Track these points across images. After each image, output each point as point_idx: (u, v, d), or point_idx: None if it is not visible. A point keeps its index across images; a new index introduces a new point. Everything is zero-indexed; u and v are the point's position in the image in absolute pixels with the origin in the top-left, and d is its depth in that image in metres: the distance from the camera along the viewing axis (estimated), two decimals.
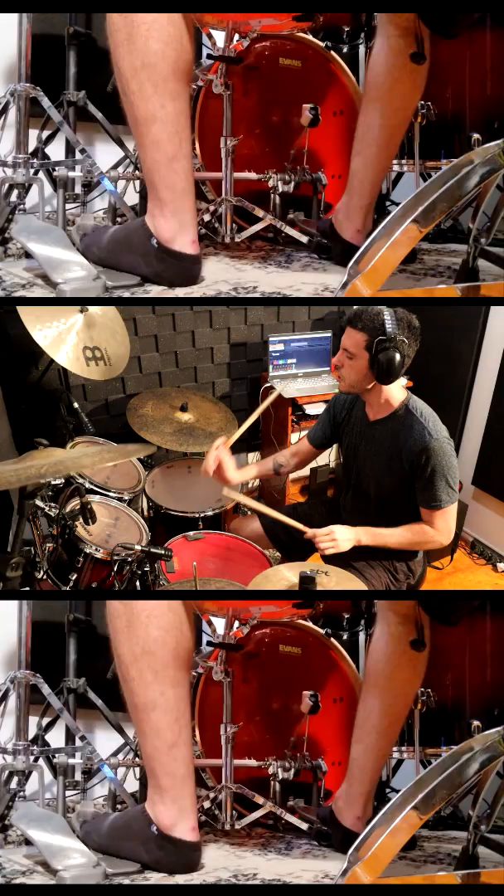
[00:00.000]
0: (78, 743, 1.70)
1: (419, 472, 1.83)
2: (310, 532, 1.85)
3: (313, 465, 3.52)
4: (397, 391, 1.89)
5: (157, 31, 1.40)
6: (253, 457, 3.59)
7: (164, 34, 1.41)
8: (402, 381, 3.19)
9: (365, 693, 1.62)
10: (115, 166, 1.73)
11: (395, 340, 1.75)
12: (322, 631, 1.68)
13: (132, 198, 1.68)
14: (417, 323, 1.81)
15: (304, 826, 1.62)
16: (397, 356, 1.76)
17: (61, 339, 2.16)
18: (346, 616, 1.68)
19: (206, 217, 1.69)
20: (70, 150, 1.72)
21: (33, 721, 1.70)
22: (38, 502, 1.84)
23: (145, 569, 1.87)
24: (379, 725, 1.60)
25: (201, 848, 1.51)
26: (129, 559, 1.88)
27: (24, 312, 2.07)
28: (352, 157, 1.65)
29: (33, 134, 1.70)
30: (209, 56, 1.67)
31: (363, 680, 1.63)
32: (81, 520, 1.88)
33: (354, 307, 1.82)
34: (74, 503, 1.90)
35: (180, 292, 1.58)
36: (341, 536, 1.80)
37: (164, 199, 1.53)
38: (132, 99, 1.45)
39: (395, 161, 1.69)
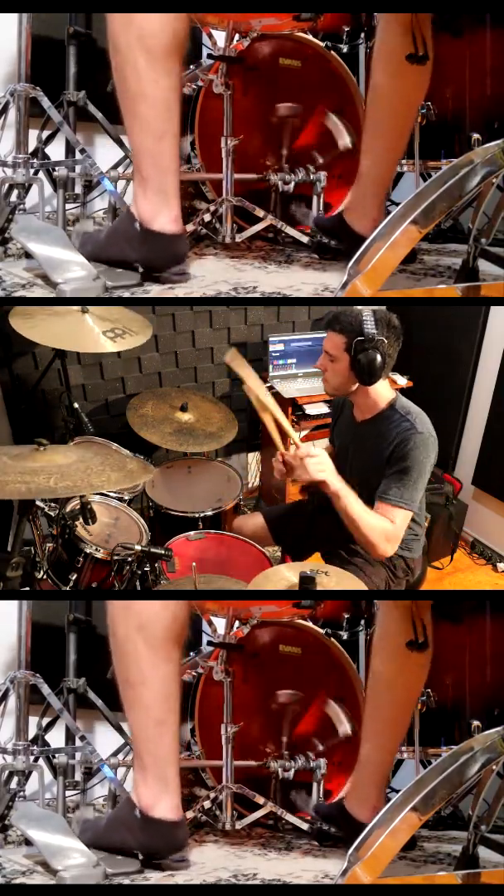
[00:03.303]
0: (78, 743, 1.70)
1: (394, 462, 1.79)
2: (299, 450, 1.74)
3: None
4: (384, 391, 1.89)
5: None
6: (253, 457, 3.59)
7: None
8: (402, 381, 3.20)
9: (371, 690, 1.62)
10: (115, 166, 1.73)
11: (374, 341, 1.75)
12: (322, 631, 1.68)
13: (132, 198, 1.68)
14: (398, 322, 1.81)
15: (305, 826, 1.62)
16: (378, 357, 1.76)
17: (79, 335, 2.15)
18: (346, 616, 1.69)
19: (207, 217, 1.69)
20: (70, 150, 1.72)
21: (33, 721, 1.70)
22: (39, 502, 1.84)
23: (145, 569, 1.88)
24: (388, 722, 1.61)
25: (185, 826, 1.52)
26: (129, 559, 1.88)
27: (27, 332, 2.07)
28: (361, 157, 1.65)
29: (33, 134, 1.69)
30: (210, 56, 1.67)
31: (369, 677, 1.63)
32: (81, 520, 1.88)
33: (334, 309, 1.82)
34: (74, 503, 1.91)
35: (180, 292, 1.58)
36: (326, 471, 1.71)
37: (148, 177, 1.53)
38: (125, 74, 1.45)
39: (396, 165, 1.69)
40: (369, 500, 1.97)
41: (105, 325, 2.20)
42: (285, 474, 1.86)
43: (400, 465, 1.79)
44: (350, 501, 1.76)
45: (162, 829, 1.48)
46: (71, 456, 1.64)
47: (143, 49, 1.42)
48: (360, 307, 1.79)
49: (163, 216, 1.54)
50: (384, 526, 1.79)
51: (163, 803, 1.48)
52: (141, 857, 1.47)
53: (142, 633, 1.47)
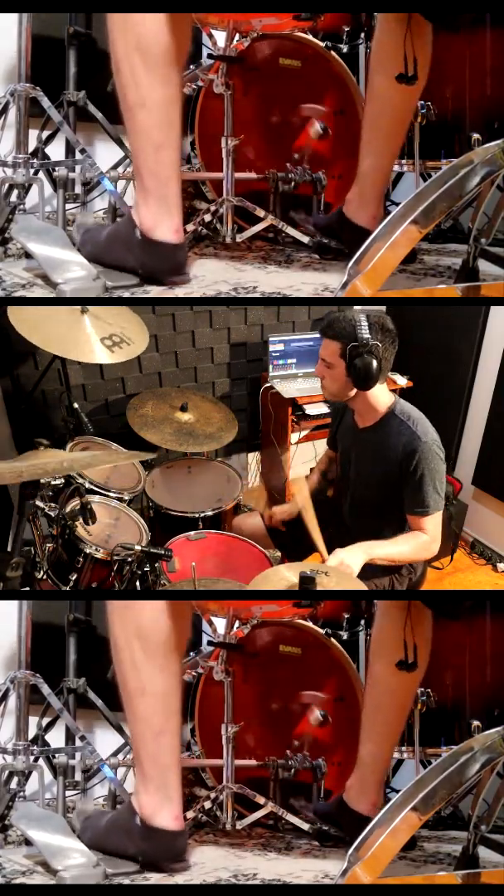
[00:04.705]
0: (78, 743, 1.70)
1: (408, 477, 1.82)
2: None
3: (312, 465, 3.53)
4: (383, 396, 1.89)
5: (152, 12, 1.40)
6: (253, 457, 3.59)
7: (159, 16, 1.40)
8: (402, 381, 3.20)
9: (369, 690, 1.62)
10: (115, 166, 1.73)
11: (368, 346, 1.75)
12: (322, 631, 1.68)
13: (132, 198, 1.68)
14: (391, 325, 1.81)
15: (305, 826, 1.62)
16: (373, 362, 1.76)
17: (77, 340, 2.15)
18: (346, 616, 1.69)
19: (207, 217, 1.69)
20: (70, 150, 1.72)
21: (33, 721, 1.70)
22: (38, 502, 1.84)
23: (145, 569, 1.88)
24: (387, 720, 1.62)
25: (186, 836, 1.51)
26: (129, 559, 1.88)
27: (25, 331, 2.06)
28: (361, 155, 1.66)
29: (33, 134, 1.69)
30: (210, 56, 1.67)
31: (367, 678, 1.64)
32: (81, 520, 1.88)
33: (328, 315, 1.82)
34: (74, 503, 1.90)
35: (180, 292, 1.58)
36: (350, 561, 1.73)
37: (148, 187, 1.53)
38: (123, 82, 1.45)
39: (395, 161, 1.69)
40: (372, 504, 1.97)
41: (104, 329, 2.19)
42: None
43: (414, 478, 1.81)
44: (383, 553, 1.81)
45: (162, 838, 1.47)
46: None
47: (140, 56, 1.42)
48: (353, 312, 1.79)
49: (164, 226, 1.54)
50: (418, 541, 1.85)
51: (164, 812, 1.48)
52: (140, 863, 1.47)
53: (140, 639, 1.46)
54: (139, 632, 1.46)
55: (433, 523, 1.85)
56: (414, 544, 1.84)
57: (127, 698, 1.50)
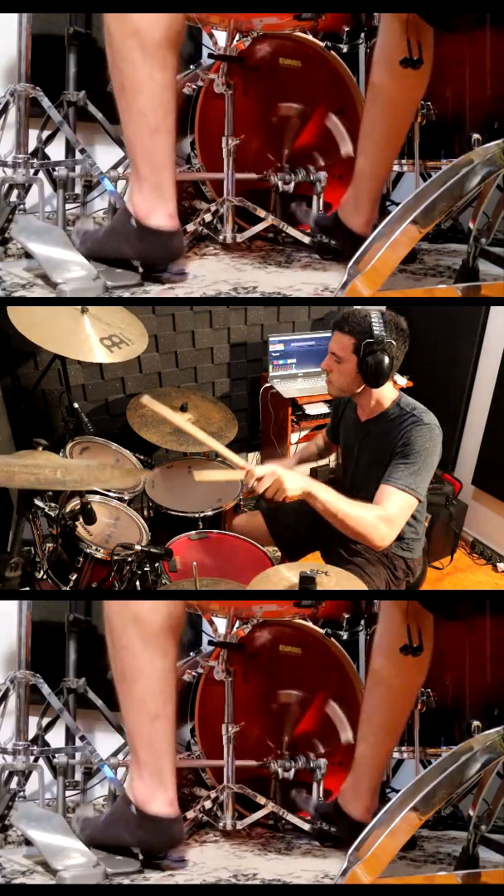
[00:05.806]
0: (78, 743, 1.70)
1: (400, 447, 1.77)
2: (248, 468, 1.66)
3: (313, 464, 3.53)
4: (388, 391, 1.89)
5: None
6: (253, 457, 3.59)
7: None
8: (402, 381, 3.19)
9: (369, 689, 1.62)
10: (115, 166, 1.73)
11: (382, 343, 1.75)
12: (322, 631, 1.68)
13: (128, 194, 1.68)
14: (405, 325, 1.81)
15: (306, 826, 1.62)
16: (385, 359, 1.75)
17: (76, 340, 2.15)
18: (346, 616, 1.69)
19: (207, 217, 1.69)
20: (70, 150, 1.72)
21: (33, 721, 1.70)
22: (38, 502, 1.84)
23: (145, 569, 1.88)
24: (385, 722, 1.61)
25: (181, 822, 1.52)
26: (129, 559, 1.88)
27: (25, 329, 2.06)
28: (357, 156, 1.65)
29: (33, 134, 1.70)
30: (210, 55, 1.67)
31: (367, 676, 1.64)
32: (81, 520, 1.88)
33: (341, 311, 1.82)
34: (74, 503, 1.91)
35: (180, 292, 1.58)
36: (284, 476, 1.60)
37: (143, 173, 1.52)
38: (121, 67, 1.45)
39: (395, 161, 1.69)
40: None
41: (103, 329, 2.19)
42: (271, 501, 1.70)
43: (404, 450, 1.76)
44: (326, 497, 1.65)
45: (158, 825, 1.48)
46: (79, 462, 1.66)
47: (138, 43, 1.42)
48: (367, 309, 1.78)
49: (158, 213, 1.54)
50: (376, 513, 1.69)
51: (159, 799, 1.48)
52: (139, 853, 1.47)
53: (137, 626, 1.46)
54: (136, 617, 1.46)
55: (397, 504, 1.70)
56: (365, 513, 1.68)
57: (122, 684, 1.50)
